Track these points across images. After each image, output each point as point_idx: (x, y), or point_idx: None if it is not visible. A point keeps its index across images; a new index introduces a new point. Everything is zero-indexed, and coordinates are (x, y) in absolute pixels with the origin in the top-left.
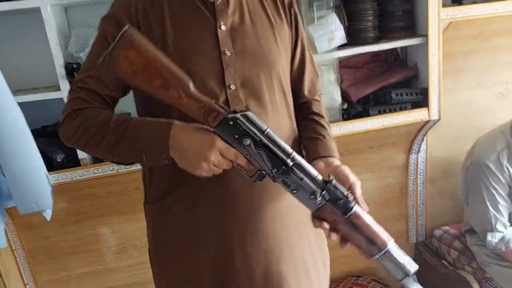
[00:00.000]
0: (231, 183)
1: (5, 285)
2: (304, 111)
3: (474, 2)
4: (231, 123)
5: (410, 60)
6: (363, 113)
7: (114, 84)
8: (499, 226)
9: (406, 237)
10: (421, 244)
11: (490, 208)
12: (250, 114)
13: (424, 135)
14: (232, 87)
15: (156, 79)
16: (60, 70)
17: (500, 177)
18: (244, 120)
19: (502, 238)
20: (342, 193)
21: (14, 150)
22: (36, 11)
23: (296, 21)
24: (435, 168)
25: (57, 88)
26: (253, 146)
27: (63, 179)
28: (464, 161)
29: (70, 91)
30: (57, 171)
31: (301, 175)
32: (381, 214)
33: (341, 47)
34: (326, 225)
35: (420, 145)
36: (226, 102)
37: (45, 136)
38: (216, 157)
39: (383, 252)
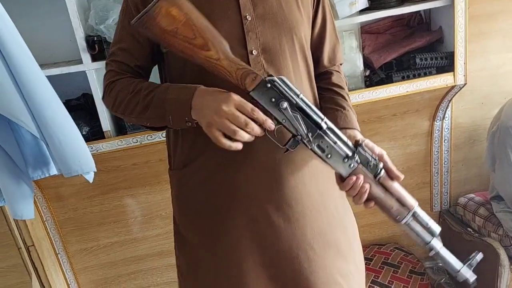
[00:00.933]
0: (255, 152)
1: (38, 255)
2: (323, 81)
3: None
4: (269, 85)
5: (434, 23)
6: (386, 80)
7: (143, 55)
8: None
9: (430, 205)
10: (445, 212)
11: None
12: (285, 78)
13: (449, 101)
14: (254, 52)
15: (198, 38)
16: (81, 43)
17: None
18: (281, 83)
19: None
20: (371, 155)
21: (53, 116)
22: None
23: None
24: (460, 135)
25: (79, 61)
26: (289, 109)
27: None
28: (490, 126)
29: (106, 65)
30: None
31: (335, 138)
32: (404, 182)
33: (363, 11)
34: (359, 186)
35: (445, 111)
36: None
37: (69, 110)
38: (229, 108)
39: (411, 213)
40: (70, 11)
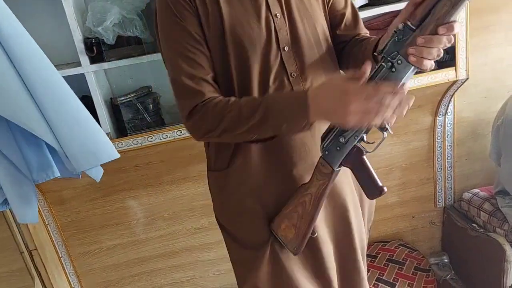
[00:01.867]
0: (308, 152)
1: (41, 259)
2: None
3: None
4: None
5: None
6: None
7: (210, 65)
8: None
9: (434, 201)
10: (449, 207)
11: None
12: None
13: (452, 96)
14: (286, 48)
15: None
16: (79, 45)
17: None
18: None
19: None
20: None
21: (66, 114)
22: None
23: None
24: (463, 130)
25: (78, 64)
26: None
27: None
28: (495, 120)
29: (175, 85)
30: None
31: None
32: (408, 178)
33: (362, 7)
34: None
35: (448, 106)
36: (282, 63)
37: None
38: (358, 104)
39: None
40: (67, 13)
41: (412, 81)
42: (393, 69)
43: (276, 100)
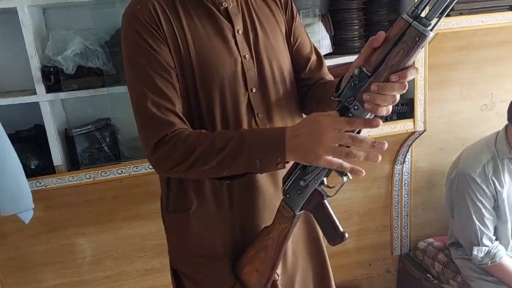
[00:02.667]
0: (259, 189)
1: None
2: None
3: (461, 14)
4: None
5: None
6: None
7: (178, 97)
8: (485, 240)
9: (391, 248)
10: (405, 256)
11: (476, 221)
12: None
13: (410, 146)
14: (254, 89)
15: None
16: (36, 73)
17: (486, 190)
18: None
19: (488, 252)
20: None
21: None
22: (13, 11)
23: (292, 13)
24: (420, 179)
25: (33, 91)
26: None
27: (37, 186)
28: (449, 172)
29: (140, 114)
30: (31, 178)
31: None
32: (365, 225)
33: (327, 55)
34: None
35: (405, 155)
36: (249, 104)
37: (19, 142)
38: (331, 135)
39: None
40: (26, 40)
41: (372, 130)
42: (350, 115)
43: (252, 133)
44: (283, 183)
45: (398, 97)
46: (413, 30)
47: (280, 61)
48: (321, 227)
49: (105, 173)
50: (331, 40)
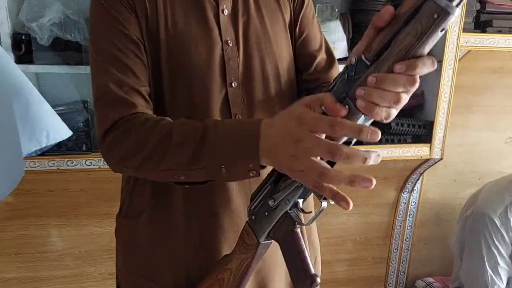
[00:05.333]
0: (231, 202)
1: None
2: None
3: (499, 32)
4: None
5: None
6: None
7: (146, 76)
8: None
9: (385, 283)
10: None
11: (488, 269)
12: None
13: (421, 174)
14: (234, 84)
15: None
16: (6, 40)
17: (505, 234)
18: None
19: None
20: None
21: None
22: None
23: (302, 2)
24: (427, 212)
25: None
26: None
27: None
28: (464, 208)
29: (99, 92)
30: None
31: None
32: (360, 254)
33: (341, 60)
34: None
35: (415, 184)
36: (226, 102)
37: None
38: (306, 142)
39: None
40: None
41: (382, 151)
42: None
43: (218, 126)
44: (251, 200)
45: (404, 97)
46: (432, 4)
47: (276, 54)
48: (287, 263)
49: (72, 163)
50: (348, 43)
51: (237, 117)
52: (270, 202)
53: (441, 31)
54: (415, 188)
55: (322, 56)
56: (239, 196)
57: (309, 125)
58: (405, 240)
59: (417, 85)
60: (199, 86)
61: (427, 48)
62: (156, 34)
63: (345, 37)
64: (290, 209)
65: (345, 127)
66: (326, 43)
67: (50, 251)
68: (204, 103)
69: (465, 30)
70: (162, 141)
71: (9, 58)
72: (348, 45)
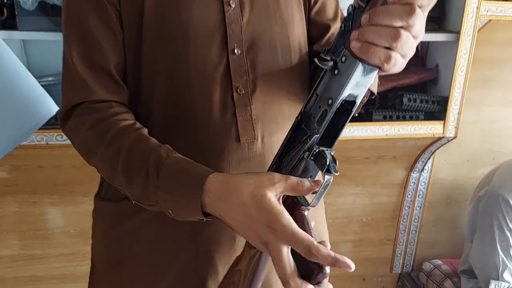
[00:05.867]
0: None
1: None
2: None
3: None
4: None
5: (431, 59)
6: (365, 116)
7: (120, 51)
8: (506, 275)
9: (391, 265)
10: (405, 275)
11: (500, 251)
12: None
13: (433, 153)
14: (237, 51)
15: None
16: None
17: None
18: None
19: None
20: None
21: None
22: None
23: None
24: (437, 192)
25: None
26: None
27: None
28: (477, 188)
29: (64, 68)
30: None
31: None
32: (366, 235)
33: None
34: None
35: (426, 163)
36: (227, 71)
37: None
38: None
39: None
40: None
41: (392, 128)
42: (336, 71)
43: (164, 171)
44: None
45: (404, 34)
46: None
47: (287, 22)
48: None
49: (61, 137)
50: None
51: (238, 90)
52: None
53: None
54: (426, 167)
55: (336, 27)
56: None
57: (281, 238)
58: (413, 221)
59: (415, 16)
60: (195, 54)
61: None
62: None
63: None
64: None
65: (320, 255)
66: (341, 11)
67: (45, 229)
68: (200, 73)
69: None
70: (110, 162)
71: None
72: None
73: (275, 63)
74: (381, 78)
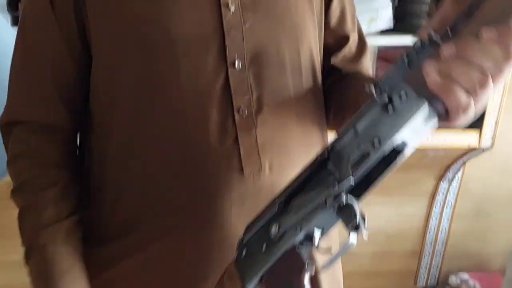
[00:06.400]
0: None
1: None
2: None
3: None
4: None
5: None
6: None
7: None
8: None
9: (415, 278)
10: None
11: None
12: None
13: (464, 163)
14: (237, 63)
15: None
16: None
17: None
18: None
19: None
20: None
21: None
22: None
23: None
24: (467, 204)
25: None
26: None
27: None
28: None
29: (11, 66)
30: None
31: None
32: (391, 247)
33: (384, 32)
34: None
35: (456, 172)
36: (227, 88)
37: None
38: None
39: None
40: None
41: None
42: (390, 108)
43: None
44: (245, 231)
45: (491, 85)
46: None
47: (299, 34)
48: None
49: None
50: (392, 12)
51: (242, 110)
52: (273, 229)
53: None
54: (456, 177)
55: (354, 38)
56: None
57: None
58: (441, 232)
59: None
60: (184, 68)
61: None
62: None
63: (390, 4)
64: (300, 243)
65: None
66: (359, 24)
67: None
68: (193, 92)
69: None
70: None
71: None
72: (393, 13)
73: (283, 78)
74: None
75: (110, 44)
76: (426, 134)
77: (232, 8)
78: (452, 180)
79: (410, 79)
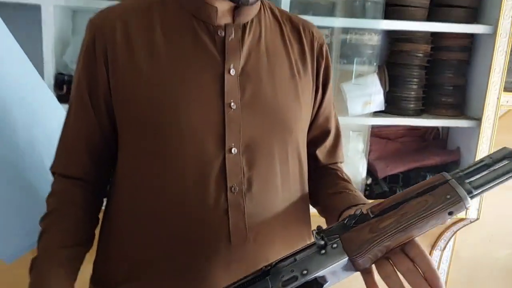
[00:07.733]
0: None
1: None
2: (322, 172)
3: None
4: None
5: (452, 142)
6: (389, 194)
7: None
8: None
9: None
10: None
11: None
12: None
13: (455, 232)
14: (234, 150)
15: None
16: (49, 79)
17: None
18: None
19: None
20: None
21: None
22: (37, 9)
23: (326, 76)
24: (459, 271)
25: None
26: None
27: None
28: None
29: (62, 131)
30: None
31: None
32: None
33: (377, 113)
34: None
35: (448, 241)
36: (223, 170)
37: None
38: None
39: None
40: (44, 40)
41: None
42: (323, 251)
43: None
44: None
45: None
46: (448, 187)
47: (286, 124)
48: None
49: None
50: (384, 96)
51: (234, 188)
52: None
53: (449, 214)
54: (448, 246)
55: (334, 132)
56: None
57: None
58: None
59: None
60: (190, 150)
61: (428, 226)
62: (132, 87)
63: (381, 90)
64: None
65: None
66: (337, 119)
67: None
68: (195, 169)
69: (506, 89)
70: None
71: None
72: (384, 98)
73: (271, 163)
74: (404, 156)
75: (130, 128)
76: (343, 278)
77: (234, 107)
78: (444, 248)
79: (346, 235)
